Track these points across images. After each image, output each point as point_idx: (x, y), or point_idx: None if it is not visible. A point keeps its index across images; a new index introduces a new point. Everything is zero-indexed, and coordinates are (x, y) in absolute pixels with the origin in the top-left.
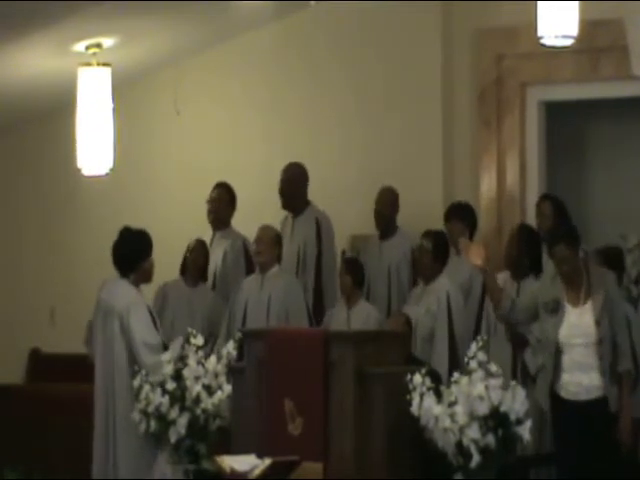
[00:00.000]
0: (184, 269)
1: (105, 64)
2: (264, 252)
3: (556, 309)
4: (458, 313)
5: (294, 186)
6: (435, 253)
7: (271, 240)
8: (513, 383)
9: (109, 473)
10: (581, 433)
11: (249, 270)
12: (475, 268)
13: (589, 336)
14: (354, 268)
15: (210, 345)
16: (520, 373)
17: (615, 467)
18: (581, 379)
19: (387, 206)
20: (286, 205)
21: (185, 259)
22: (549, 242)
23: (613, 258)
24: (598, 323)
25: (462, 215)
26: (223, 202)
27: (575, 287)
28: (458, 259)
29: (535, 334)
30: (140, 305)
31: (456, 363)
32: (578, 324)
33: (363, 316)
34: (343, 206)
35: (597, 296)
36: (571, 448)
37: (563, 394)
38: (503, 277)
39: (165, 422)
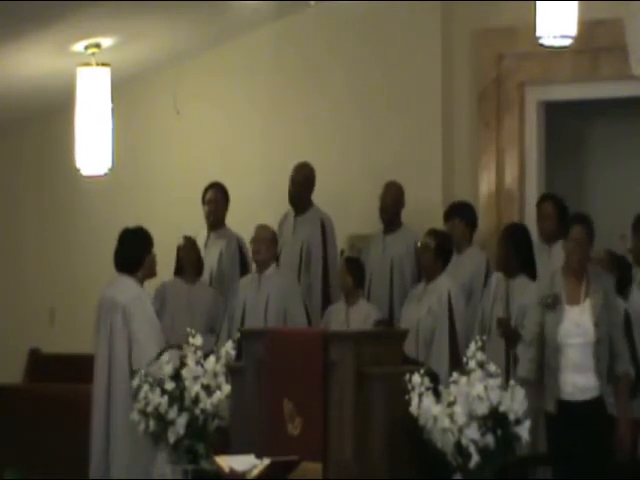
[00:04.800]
0: (179, 268)
1: (104, 64)
2: (263, 251)
3: (554, 305)
4: (459, 312)
5: (306, 186)
6: (437, 252)
7: (269, 239)
8: (512, 383)
9: (105, 472)
10: (576, 435)
11: (244, 269)
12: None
13: (587, 336)
14: (355, 268)
15: (214, 340)
16: (513, 370)
17: (611, 470)
18: (576, 380)
19: (392, 200)
20: (295, 203)
21: (178, 258)
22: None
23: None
24: (597, 324)
25: (463, 214)
26: (220, 202)
27: (574, 283)
28: (459, 258)
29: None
30: (145, 300)
31: (458, 363)
32: (577, 323)
33: (362, 316)
34: (342, 206)
35: (596, 295)
36: (567, 450)
37: (560, 394)
38: (497, 277)
39: (164, 422)
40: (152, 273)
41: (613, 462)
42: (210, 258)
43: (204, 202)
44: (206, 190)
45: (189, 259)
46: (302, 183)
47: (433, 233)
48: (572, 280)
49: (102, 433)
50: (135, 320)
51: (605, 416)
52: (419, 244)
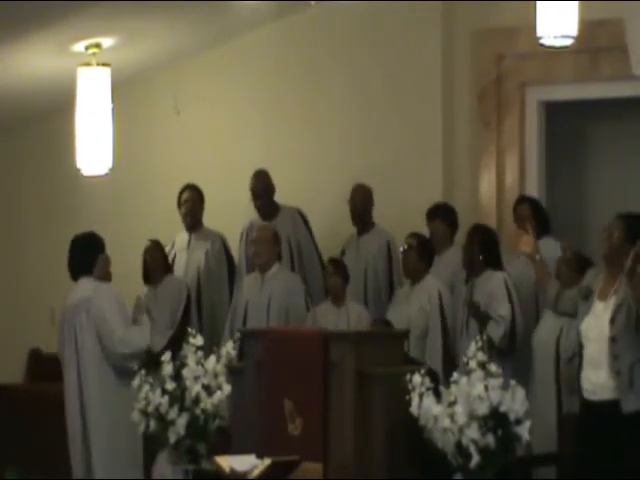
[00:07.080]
0: (146, 274)
1: (105, 64)
2: (264, 252)
3: (587, 297)
4: (449, 310)
5: (272, 191)
6: (420, 252)
7: (270, 240)
8: (513, 383)
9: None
10: (592, 438)
11: (231, 267)
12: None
13: (602, 331)
14: (342, 268)
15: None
16: (486, 348)
17: (621, 472)
18: (591, 376)
19: (361, 202)
20: (265, 212)
21: (145, 263)
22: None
23: None
24: (612, 320)
25: (444, 215)
26: (196, 202)
27: (610, 281)
28: (440, 259)
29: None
30: (108, 287)
31: (451, 360)
32: (597, 318)
33: (354, 316)
34: (342, 206)
35: (619, 293)
36: (582, 450)
37: (582, 392)
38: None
39: (164, 422)
40: (106, 275)
41: (623, 464)
42: (196, 258)
43: (180, 204)
44: (181, 192)
45: (155, 260)
46: (268, 190)
47: (414, 235)
48: (609, 277)
49: (80, 433)
50: (100, 305)
51: (620, 420)
52: (402, 248)
